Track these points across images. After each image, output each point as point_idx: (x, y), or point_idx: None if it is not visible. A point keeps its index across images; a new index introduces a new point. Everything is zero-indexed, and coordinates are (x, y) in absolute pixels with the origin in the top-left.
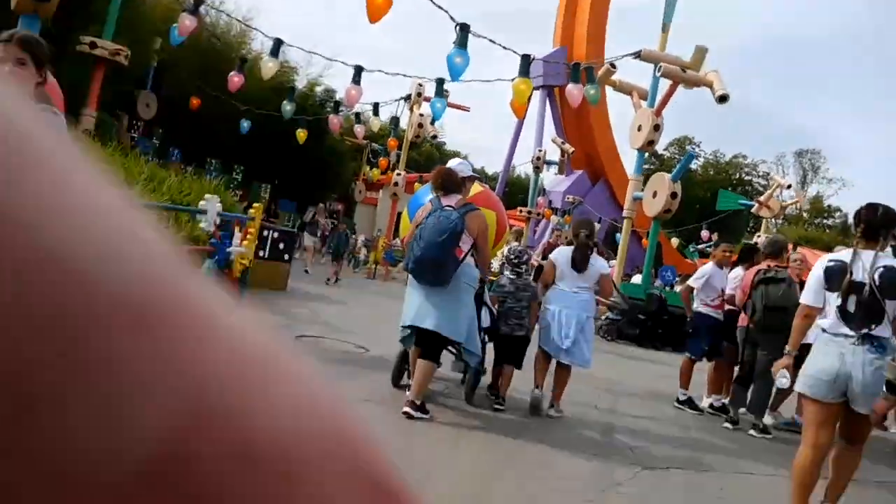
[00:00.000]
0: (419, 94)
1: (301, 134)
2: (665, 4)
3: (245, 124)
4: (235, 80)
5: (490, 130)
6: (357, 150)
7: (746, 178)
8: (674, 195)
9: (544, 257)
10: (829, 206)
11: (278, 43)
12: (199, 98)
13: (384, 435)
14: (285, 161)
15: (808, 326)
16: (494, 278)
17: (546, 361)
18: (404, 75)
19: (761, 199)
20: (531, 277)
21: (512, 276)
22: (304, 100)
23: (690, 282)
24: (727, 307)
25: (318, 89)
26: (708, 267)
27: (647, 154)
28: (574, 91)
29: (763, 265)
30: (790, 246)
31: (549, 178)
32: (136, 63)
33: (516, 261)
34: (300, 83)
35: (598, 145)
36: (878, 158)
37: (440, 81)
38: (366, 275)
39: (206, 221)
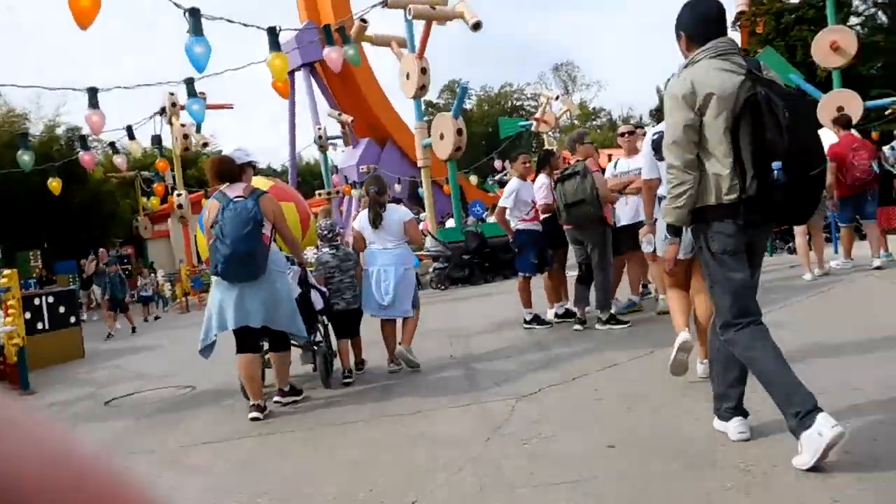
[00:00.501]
0: (174, 105)
1: (54, 184)
2: None
3: None
4: None
5: (265, 125)
6: (128, 184)
7: (518, 103)
8: (459, 131)
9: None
10: (593, 108)
11: None
12: None
13: (237, 465)
14: (47, 219)
15: (654, 196)
16: (311, 268)
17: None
18: (147, 85)
19: (536, 115)
20: (349, 248)
21: (332, 251)
22: (49, 146)
23: (501, 202)
24: (543, 216)
25: (60, 130)
26: (513, 183)
27: (423, 100)
28: (333, 54)
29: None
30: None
31: (339, 155)
32: None
33: (329, 234)
34: (35, 129)
35: (374, 108)
36: (621, 53)
37: (189, 81)
38: (179, 310)
39: None
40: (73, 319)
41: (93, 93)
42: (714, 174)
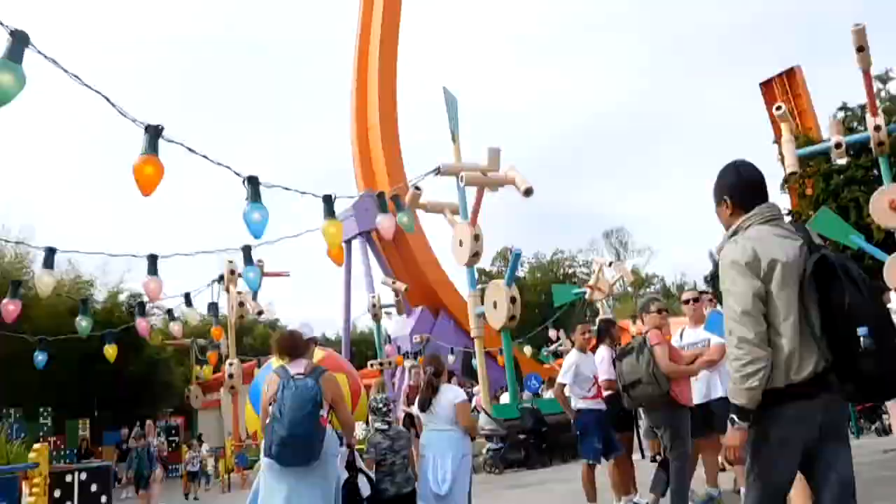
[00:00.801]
0: (232, 272)
1: (109, 350)
2: (448, 116)
3: (40, 357)
4: (10, 308)
5: (320, 294)
6: (183, 352)
7: (570, 270)
8: (513, 300)
9: (410, 402)
10: (646, 274)
11: (50, 252)
12: None
13: None
14: (100, 387)
15: None
16: (361, 446)
17: None
18: (206, 252)
19: (590, 283)
20: (401, 425)
21: (383, 428)
22: (110, 313)
23: (560, 378)
24: (606, 393)
25: (122, 297)
26: (572, 356)
27: (476, 268)
28: (385, 222)
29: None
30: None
31: (392, 324)
32: None
33: (385, 409)
34: (100, 295)
35: (428, 276)
36: (673, 220)
37: (246, 249)
38: (220, 489)
39: None
40: (104, 499)
41: (152, 260)
42: (782, 349)
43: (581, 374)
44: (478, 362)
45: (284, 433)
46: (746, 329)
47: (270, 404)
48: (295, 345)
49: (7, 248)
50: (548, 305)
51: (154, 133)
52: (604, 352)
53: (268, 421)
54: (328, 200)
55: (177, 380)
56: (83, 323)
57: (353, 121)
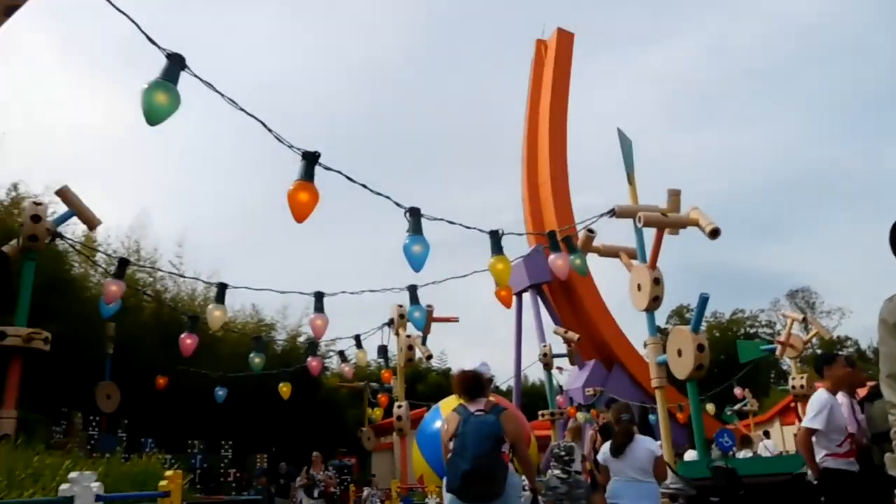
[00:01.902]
0: (401, 316)
1: (284, 388)
2: (623, 157)
3: (220, 392)
4: (188, 342)
5: (491, 344)
6: (356, 394)
7: (751, 330)
8: (700, 347)
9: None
10: (837, 336)
11: (222, 288)
12: (165, 376)
13: None
14: (278, 424)
15: None
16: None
17: None
18: (372, 291)
19: (781, 338)
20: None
21: (562, 476)
22: (288, 355)
23: (809, 422)
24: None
25: (301, 339)
26: (822, 395)
27: (655, 312)
28: (558, 261)
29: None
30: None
31: (565, 377)
32: (88, 354)
33: (567, 457)
34: (279, 337)
35: (601, 330)
36: (864, 279)
37: (412, 288)
38: None
39: None
40: None
41: (318, 297)
42: None
43: (833, 420)
44: (659, 415)
45: (468, 466)
46: (893, 392)
47: (451, 439)
48: (475, 384)
49: (183, 285)
50: (728, 364)
51: (311, 160)
52: (841, 397)
53: (449, 456)
54: (495, 235)
55: (350, 422)
56: (256, 360)
57: (523, 175)
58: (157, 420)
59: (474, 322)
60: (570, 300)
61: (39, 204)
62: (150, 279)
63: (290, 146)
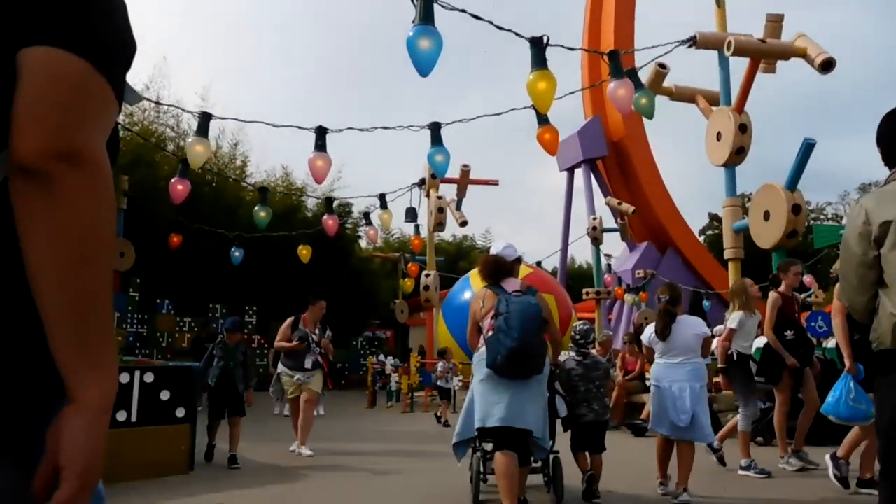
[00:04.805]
0: (433, 176)
1: (303, 251)
2: None
3: (236, 254)
4: (179, 188)
5: (537, 224)
6: (393, 266)
7: (815, 224)
8: (796, 209)
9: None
10: None
11: (206, 118)
12: (179, 235)
13: None
14: (306, 292)
15: None
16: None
17: (668, 446)
18: (384, 128)
19: None
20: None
21: (578, 358)
22: (320, 220)
23: None
24: None
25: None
26: None
27: (709, 212)
28: (619, 91)
29: None
30: None
31: (614, 259)
32: None
33: (582, 340)
34: (310, 203)
35: (657, 211)
36: None
37: (435, 127)
38: (402, 410)
39: None
40: (181, 413)
41: (320, 132)
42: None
43: None
44: (733, 285)
45: (515, 345)
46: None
47: (491, 317)
48: (504, 268)
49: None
50: (792, 254)
51: None
52: None
53: (491, 334)
54: (538, 43)
55: (385, 294)
56: (262, 213)
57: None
58: (173, 281)
59: (527, 204)
60: (625, 177)
61: None
62: (173, 133)
63: None
